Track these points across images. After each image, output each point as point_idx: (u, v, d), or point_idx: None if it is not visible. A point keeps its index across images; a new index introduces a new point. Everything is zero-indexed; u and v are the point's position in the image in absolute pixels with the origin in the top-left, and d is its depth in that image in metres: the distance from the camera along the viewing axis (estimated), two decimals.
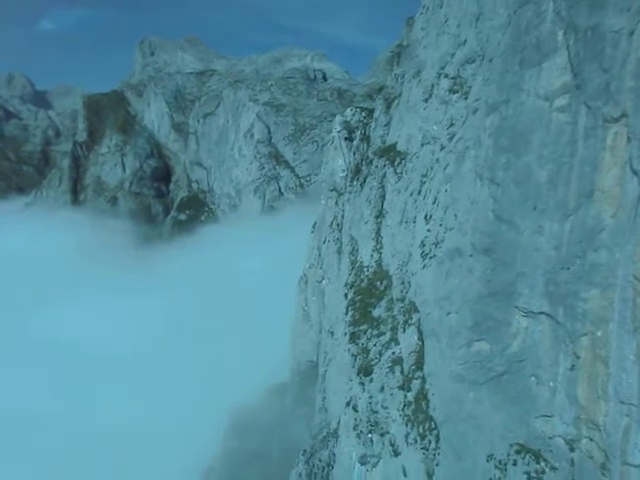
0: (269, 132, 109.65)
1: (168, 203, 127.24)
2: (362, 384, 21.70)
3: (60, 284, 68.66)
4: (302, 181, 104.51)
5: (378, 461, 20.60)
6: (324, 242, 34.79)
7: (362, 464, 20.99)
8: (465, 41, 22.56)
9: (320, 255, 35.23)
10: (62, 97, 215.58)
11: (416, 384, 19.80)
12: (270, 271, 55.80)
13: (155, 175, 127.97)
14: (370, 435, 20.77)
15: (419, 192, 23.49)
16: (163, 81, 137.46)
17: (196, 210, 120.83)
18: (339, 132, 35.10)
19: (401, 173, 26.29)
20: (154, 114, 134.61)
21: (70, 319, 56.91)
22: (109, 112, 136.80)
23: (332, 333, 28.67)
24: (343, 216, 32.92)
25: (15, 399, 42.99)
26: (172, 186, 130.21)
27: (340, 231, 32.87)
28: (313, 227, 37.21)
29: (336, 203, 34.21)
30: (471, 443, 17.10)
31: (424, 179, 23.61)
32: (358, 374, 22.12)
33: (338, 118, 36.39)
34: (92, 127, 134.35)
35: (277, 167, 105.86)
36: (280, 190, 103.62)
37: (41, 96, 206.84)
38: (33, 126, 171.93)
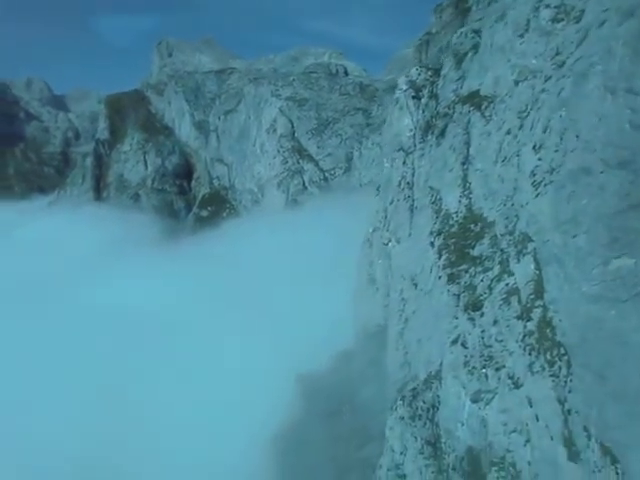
0: (292, 126, 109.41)
1: (190, 200, 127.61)
2: (472, 319, 20.84)
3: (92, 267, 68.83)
4: (326, 175, 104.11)
5: (493, 397, 19.68)
6: (391, 203, 34.09)
7: (474, 402, 20.07)
8: None
9: (387, 217, 34.53)
10: (79, 101, 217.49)
11: (537, 312, 18.90)
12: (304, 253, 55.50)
13: (177, 172, 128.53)
14: (484, 370, 19.86)
15: (520, 127, 22.74)
16: (183, 80, 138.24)
17: (218, 207, 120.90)
18: (405, 91, 34.50)
19: (490, 116, 25.59)
20: (175, 112, 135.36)
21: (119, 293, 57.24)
22: (130, 111, 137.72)
23: (415, 285, 27.86)
24: (414, 174, 32.26)
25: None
26: (194, 183, 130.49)
27: (411, 189, 32.17)
28: (377, 190, 36.56)
29: (404, 163, 33.54)
30: (618, 362, 16.14)
31: (523, 114, 22.89)
32: (465, 310, 21.29)
33: (402, 79, 35.79)
34: (114, 126, 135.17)
35: (301, 161, 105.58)
36: (304, 184, 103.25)
37: (59, 100, 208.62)
38: (53, 128, 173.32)
